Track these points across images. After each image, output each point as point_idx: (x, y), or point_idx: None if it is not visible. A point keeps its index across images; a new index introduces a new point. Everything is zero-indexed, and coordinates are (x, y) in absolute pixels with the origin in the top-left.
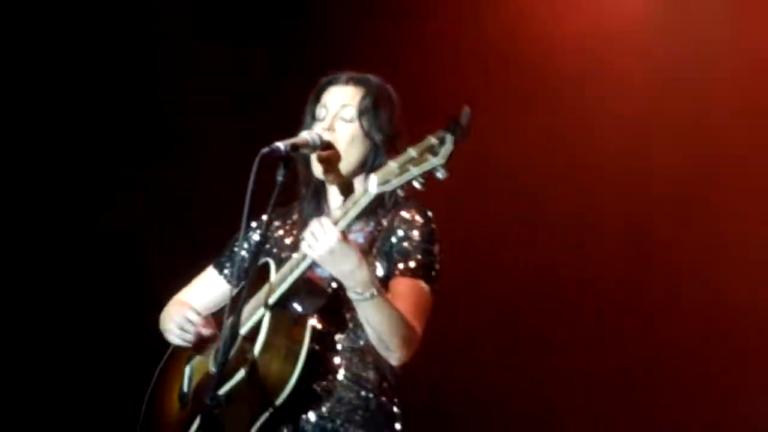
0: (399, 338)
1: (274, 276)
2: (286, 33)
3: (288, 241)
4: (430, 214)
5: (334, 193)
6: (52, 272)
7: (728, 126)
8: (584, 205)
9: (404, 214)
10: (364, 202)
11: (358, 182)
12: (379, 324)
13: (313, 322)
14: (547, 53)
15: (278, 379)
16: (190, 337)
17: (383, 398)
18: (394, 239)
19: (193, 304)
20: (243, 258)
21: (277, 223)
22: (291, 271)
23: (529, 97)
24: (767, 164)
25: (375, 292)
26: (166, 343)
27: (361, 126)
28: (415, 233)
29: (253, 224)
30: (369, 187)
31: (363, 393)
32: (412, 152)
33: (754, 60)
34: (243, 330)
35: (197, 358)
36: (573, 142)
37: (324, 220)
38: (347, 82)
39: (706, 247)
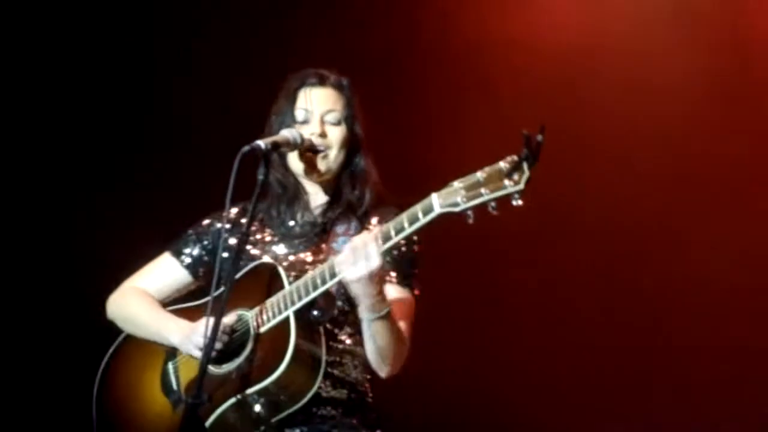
0: (397, 354)
1: (286, 279)
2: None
3: (260, 236)
4: None
5: (314, 191)
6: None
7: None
8: (587, 203)
9: (385, 219)
10: (426, 220)
11: (344, 184)
12: (385, 341)
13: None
14: (557, 52)
15: (303, 384)
16: (220, 345)
17: (368, 398)
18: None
19: (150, 291)
20: (207, 249)
21: (243, 220)
22: (323, 281)
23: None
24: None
25: (387, 310)
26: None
27: (347, 128)
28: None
29: (215, 214)
30: (433, 206)
31: (353, 395)
32: (479, 175)
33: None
34: (263, 328)
35: (182, 356)
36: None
37: (371, 244)
38: (323, 83)
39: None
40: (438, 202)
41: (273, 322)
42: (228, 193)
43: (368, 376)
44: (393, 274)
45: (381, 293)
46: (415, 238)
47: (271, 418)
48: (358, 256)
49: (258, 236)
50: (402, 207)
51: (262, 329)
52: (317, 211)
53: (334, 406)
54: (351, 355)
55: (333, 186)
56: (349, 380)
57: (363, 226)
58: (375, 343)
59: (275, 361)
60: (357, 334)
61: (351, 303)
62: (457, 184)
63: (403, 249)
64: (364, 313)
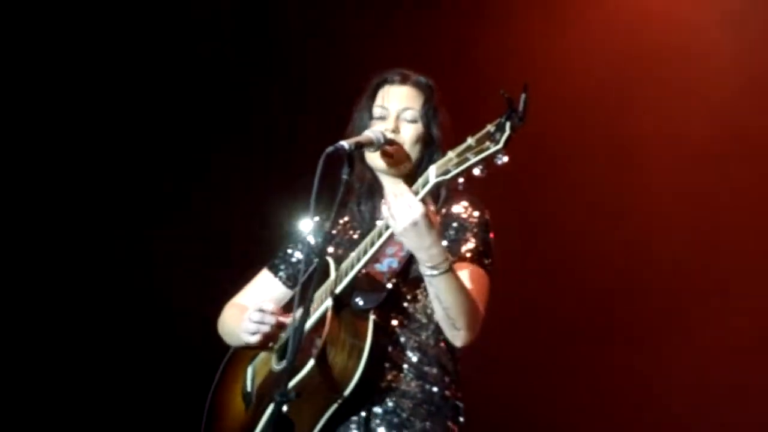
0: (467, 315)
1: (333, 272)
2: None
3: (346, 237)
4: (483, 206)
5: (390, 190)
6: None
7: None
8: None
9: (457, 207)
10: (424, 191)
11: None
12: (450, 299)
13: (375, 316)
14: (602, 61)
15: (343, 374)
16: (269, 326)
17: (447, 392)
18: (451, 231)
19: (250, 307)
20: (299, 259)
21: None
22: (357, 260)
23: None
24: None
25: (448, 266)
26: (220, 347)
27: (424, 126)
28: (470, 222)
29: (300, 231)
30: (429, 177)
31: (427, 387)
32: (470, 141)
33: None
34: (306, 325)
35: (259, 358)
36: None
37: (407, 194)
38: (404, 82)
39: None
40: (434, 173)
41: (316, 315)
42: (313, 194)
43: (446, 372)
44: (458, 253)
45: (436, 246)
46: (488, 220)
47: (320, 413)
48: (401, 207)
49: (344, 237)
50: (477, 199)
51: (307, 324)
52: None
53: (407, 398)
54: (421, 350)
55: (409, 182)
56: (421, 374)
57: None
58: (441, 304)
59: (311, 355)
60: (427, 328)
61: (415, 295)
62: (451, 153)
63: (476, 229)
64: (424, 269)
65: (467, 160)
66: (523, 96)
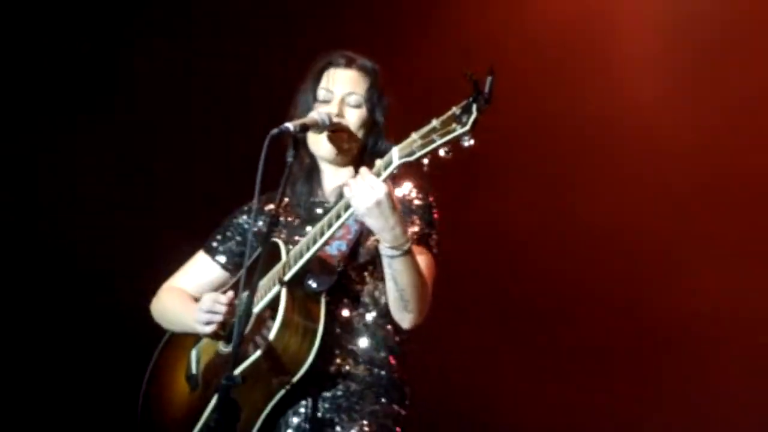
0: (419, 297)
1: (285, 255)
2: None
3: (290, 219)
4: (427, 189)
5: (329, 175)
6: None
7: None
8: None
9: (401, 190)
10: (386, 173)
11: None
12: (407, 281)
13: (327, 299)
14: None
15: (296, 356)
16: (220, 317)
17: (394, 374)
18: None
19: (189, 291)
20: (239, 243)
21: (270, 207)
22: (313, 242)
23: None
24: None
25: (409, 247)
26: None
27: (368, 111)
28: (415, 205)
29: (244, 207)
30: (392, 158)
31: (375, 370)
32: (434, 123)
33: None
34: (257, 308)
35: (204, 341)
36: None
37: (369, 175)
38: (349, 65)
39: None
40: (397, 155)
41: (267, 298)
42: (258, 176)
43: (392, 355)
44: (413, 230)
45: (399, 226)
46: (432, 203)
47: (270, 396)
48: (364, 187)
49: (289, 219)
50: (423, 184)
51: (257, 308)
52: (336, 193)
53: (356, 381)
54: (369, 333)
55: (352, 169)
56: (368, 357)
57: None
58: (396, 284)
59: (264, 337)
60: (374, 311)
61: (363, 278)
62: (414, 134)
63: (421, 212)
64: (384, 250)
65: (433, 141)
66: (489, 78)
